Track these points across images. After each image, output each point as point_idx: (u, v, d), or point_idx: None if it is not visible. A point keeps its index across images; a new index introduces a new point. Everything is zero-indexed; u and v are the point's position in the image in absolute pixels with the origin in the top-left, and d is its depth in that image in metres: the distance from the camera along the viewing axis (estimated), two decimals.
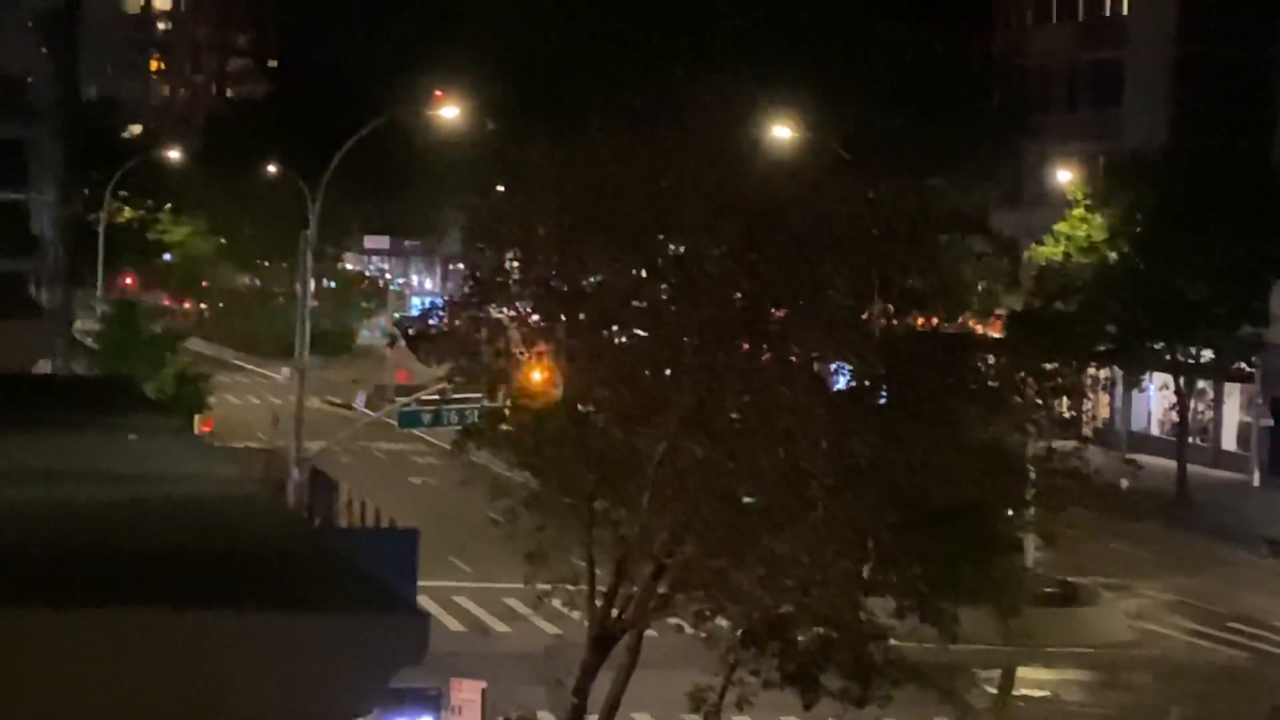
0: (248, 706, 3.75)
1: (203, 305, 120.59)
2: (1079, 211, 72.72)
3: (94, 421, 5.60)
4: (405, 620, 3.92)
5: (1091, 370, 65.67)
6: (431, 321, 33.15)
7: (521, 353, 31.78)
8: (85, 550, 4.28)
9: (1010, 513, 34.03)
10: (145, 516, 4.59)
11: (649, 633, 31.81)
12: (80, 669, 3.73)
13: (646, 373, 30.74)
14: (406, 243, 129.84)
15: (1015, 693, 42.78)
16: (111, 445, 5.40)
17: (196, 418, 59.25)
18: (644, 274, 32.09)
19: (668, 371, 30.48)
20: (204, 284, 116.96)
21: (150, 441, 5.56)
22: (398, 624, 3.92)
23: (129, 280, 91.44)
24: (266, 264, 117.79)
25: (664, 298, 31.57)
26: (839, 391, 31.90)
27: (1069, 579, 49.15)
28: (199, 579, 4.06)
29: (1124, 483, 44.60)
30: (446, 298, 40.78)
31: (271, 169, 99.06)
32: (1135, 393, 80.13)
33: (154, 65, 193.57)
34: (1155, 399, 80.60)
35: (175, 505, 4.70)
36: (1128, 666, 45.54)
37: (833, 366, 32.39)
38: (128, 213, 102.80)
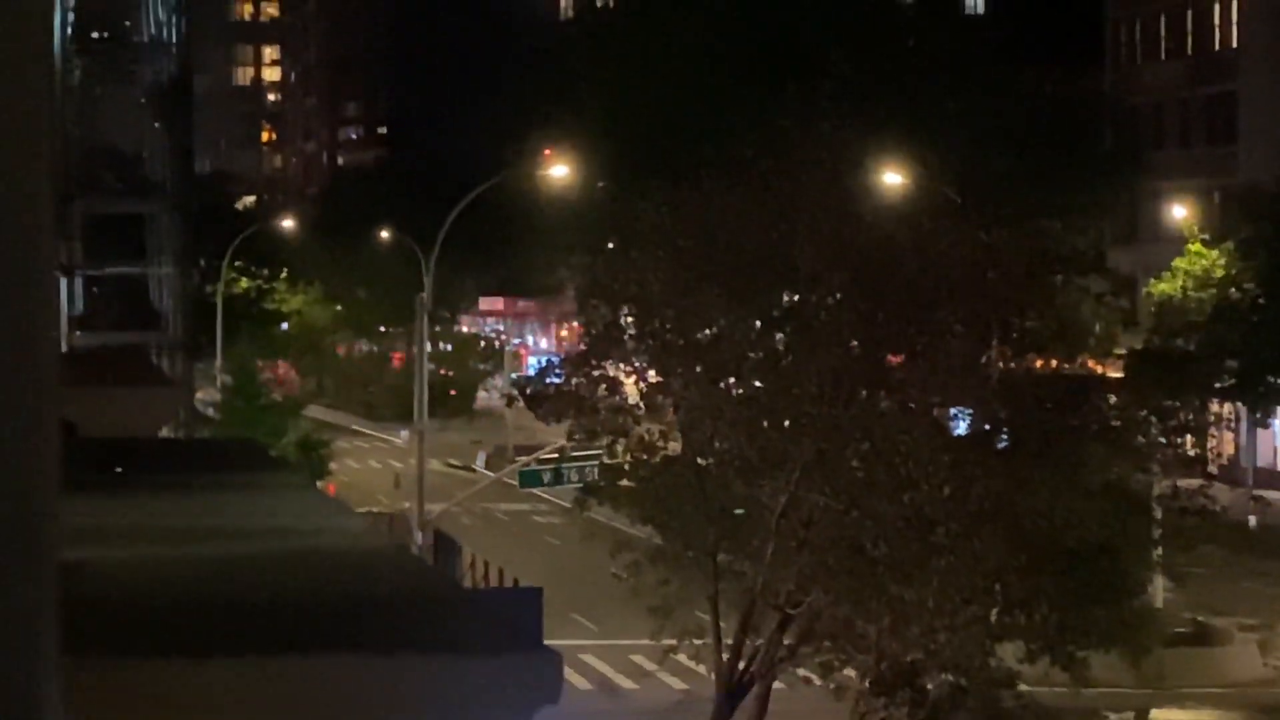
0: None
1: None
2: (1196, 246, 72.04)
3: (230, 481, 5.70)
4: (538, 659, 3.98)
5: (1214, 406, 64.91)
6: (548, 380, 33.12)
7: (639, 407, 31.80)
8: (235, 601, 4.35)
9: (1138, 553, 33.68)
10: (290, 567, 4.67)
11: (777, 685, 31.67)
12: (237, 714, 3.80)
13: (765, 424, 30.69)
14: (521, 303, 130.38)
15: None
16: (249, 502, 5.50)
17: (319, 483, 59.65)
18: (760, 325, 32.07)
19: (787, 422, 30.41)
20: (322, 351, 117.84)
21: (285, 498, 5.63)
22: (532, 663, 3.97)
23: None
24: (383, 329, 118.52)
25: (781, 348, 31.53)
26: (960, 436, 31.72)
27: (1201, 618, 48.54)
28: (345, 625, 4.13)
29: (1252, 520, 44.05)
30: (562, 355, 40.85)
31: (385, 234, 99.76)
32: (1260, 428, 79.12)
33: (265, 136, 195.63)
34: None
35: (317, 557, 4.78)
36: (1264, 706, 44.88)
37: (952, 411, 32.22)
38: (244, 283, 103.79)
